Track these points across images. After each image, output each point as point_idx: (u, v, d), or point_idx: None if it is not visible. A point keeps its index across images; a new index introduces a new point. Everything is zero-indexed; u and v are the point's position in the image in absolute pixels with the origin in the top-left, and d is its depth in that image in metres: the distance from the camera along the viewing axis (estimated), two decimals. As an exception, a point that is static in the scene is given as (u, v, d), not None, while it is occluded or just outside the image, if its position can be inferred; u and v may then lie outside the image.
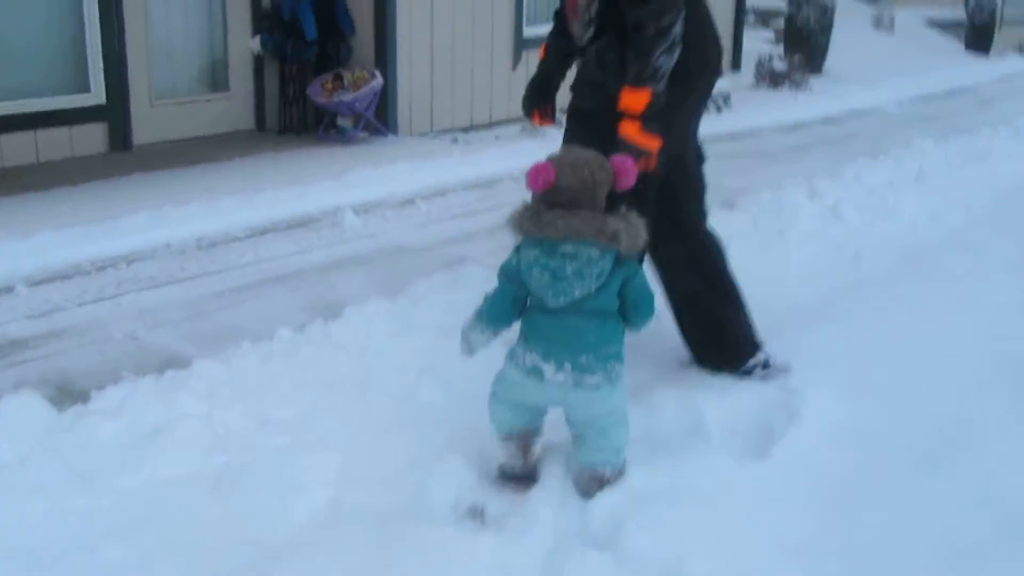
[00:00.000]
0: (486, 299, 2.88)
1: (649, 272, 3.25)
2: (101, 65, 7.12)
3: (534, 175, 2.70)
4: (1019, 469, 3.02)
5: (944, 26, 16.42)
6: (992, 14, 15.43)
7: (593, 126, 3.33)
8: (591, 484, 2.84)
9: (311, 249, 5.34)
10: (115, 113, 7.25)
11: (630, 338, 2.89)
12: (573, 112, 3.57)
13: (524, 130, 8.42)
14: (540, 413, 2.92)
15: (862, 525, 2.71)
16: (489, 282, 2.93)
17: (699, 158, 3.63)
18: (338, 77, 7.97)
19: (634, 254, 2.79)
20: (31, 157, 6.87)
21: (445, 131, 8.59)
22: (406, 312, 4.08)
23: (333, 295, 4.56)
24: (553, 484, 2.89)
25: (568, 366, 2.74)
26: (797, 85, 11.36)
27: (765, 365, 3.62)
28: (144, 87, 7.46)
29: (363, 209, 5.99)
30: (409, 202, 6.25)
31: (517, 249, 2.81)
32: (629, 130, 3.17)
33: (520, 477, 2.92)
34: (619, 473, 2.87)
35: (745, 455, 3.06)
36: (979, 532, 2.68)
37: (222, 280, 4.83)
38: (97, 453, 2.94)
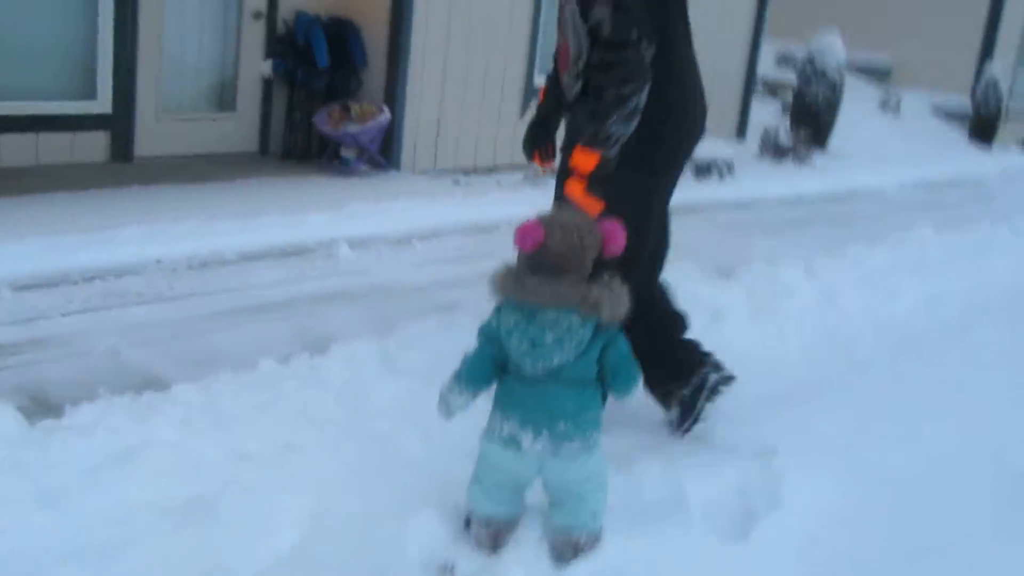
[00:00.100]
0: (465, 360, 2.83)
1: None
2: (110, 73, 7.08)
3: (523, 235, 2.66)
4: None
5: (949, 113, 16.53)
6: (998, 107, 15.54)
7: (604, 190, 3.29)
8: (565, 549, 2.79)
9: (303, 279, 5.29)
10: (119, 123, 7.20)
11: (617, 405, 2.84)
12: (562, 169, 3.54)
13: (526, 178, 8.40)
14: (520, 494, 2.86)
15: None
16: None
17: (663, 229, 3.59)
18: (346, 108, 7.95)
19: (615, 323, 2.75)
20: (31, 159, 6.81)
21: (447, 171, 8.57)
22: (393, 354, 4.02)
23: (321, 329, 4.50)
24: (527, 547, 2.83)
25: (546, 434, 2.70)
26: (801, 159, 11.39)
27: (702, 386, 3.60)
28: (151, 99, 7.43)
29: (359, 243, 5.94)
30: (405, 240, 6.21)
31: (498, 310, 2.76)
32: (574, 190, 3.18)
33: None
34: (595, 540, 2.81)
35: (727, 533, 3.00)
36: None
37: (210, 302, 4.77)
38: (65, 471, 2.87)
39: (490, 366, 2.79)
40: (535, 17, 9.04)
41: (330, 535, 2.77)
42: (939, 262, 6.81)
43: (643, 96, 3.16)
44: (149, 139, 7.43)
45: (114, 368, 3.90)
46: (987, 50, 16.81)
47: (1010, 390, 4.47)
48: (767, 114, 13.19)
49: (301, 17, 8.02)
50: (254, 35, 8.01)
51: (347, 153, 7.96)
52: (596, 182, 3.17)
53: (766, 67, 14.35)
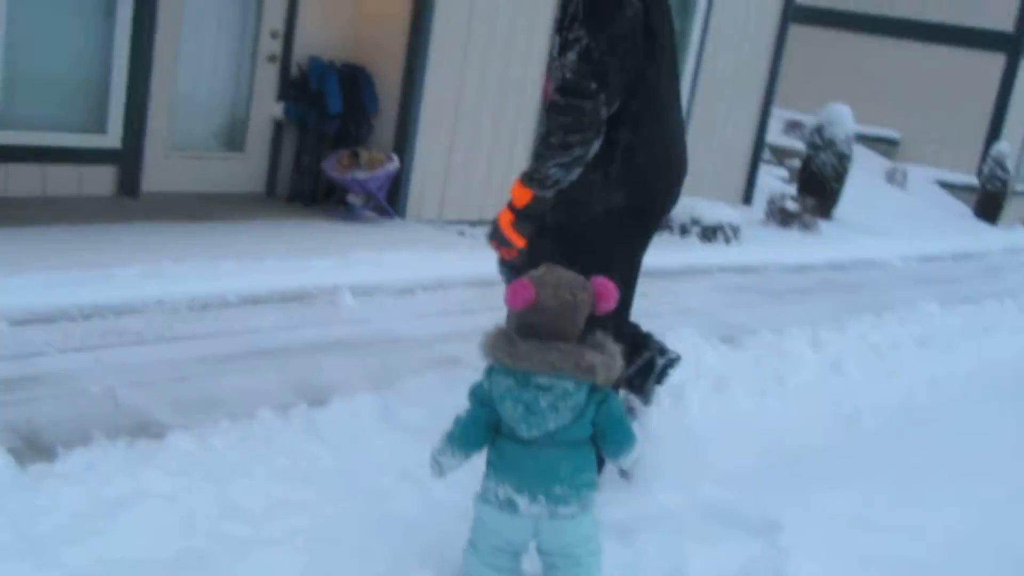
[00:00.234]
0: (457, 422, 2.77)
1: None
2: (122, 109, 7.07)
3: (514, 293, 2.63)
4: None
5: (955, 189, 16.62)
6: (1005, 184, 15.61)
7: (562, 238, 3.29)
8: (562, 617, 2.72)
9: (304, 326, 5.22)
10: (128, 158, 7.18)
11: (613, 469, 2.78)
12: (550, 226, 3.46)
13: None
14: (517, 560, 2.79)
15: None
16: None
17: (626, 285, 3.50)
18: (355, 154, 7.94)
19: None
20: (37, 190, 6.79)
21: (453, 222, 8.54)
22: (393, 409, 3.96)
23: (320, 379, 4.44)
24: (524, 617, 2.76)
25: (542, 498, 2.65)
26: (807, 227, 11.41)
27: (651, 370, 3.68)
28: (161, 136, 7.42)
29: (362, 291, 5.88)
30: (408, 291, 6.15)
31: (489, 371, 2.72)
32: (503, 219, 3.22)
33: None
34: (591, 609, 2.74)
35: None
36: None
37: (209, 346, 4.70)
38: (51, 519, 2.80)
39: (483, 429, 2.75)
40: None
41: (322, 598, 2.69)
42: (944, 340, 6.77)
43: (591, 148, 3.13)
44: (157, 175, 7.41)
45: (110, 410, 3.82)
46: (995, 130, 16.95)
47: (1010, 477, 4.41)
48: (774, 179, 13.24)
49: (315, 62, 8.04)
50: (267, 78, 8.03)
51: (354, 199, 7.94)
52: (526, 220, 3.20)
53: (773, 134, 14.43)
